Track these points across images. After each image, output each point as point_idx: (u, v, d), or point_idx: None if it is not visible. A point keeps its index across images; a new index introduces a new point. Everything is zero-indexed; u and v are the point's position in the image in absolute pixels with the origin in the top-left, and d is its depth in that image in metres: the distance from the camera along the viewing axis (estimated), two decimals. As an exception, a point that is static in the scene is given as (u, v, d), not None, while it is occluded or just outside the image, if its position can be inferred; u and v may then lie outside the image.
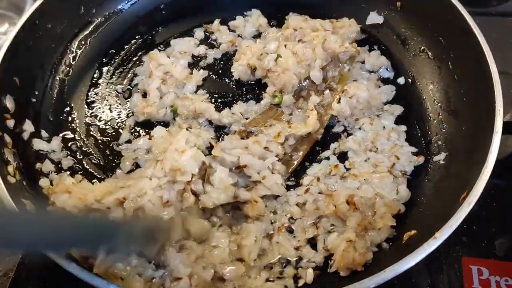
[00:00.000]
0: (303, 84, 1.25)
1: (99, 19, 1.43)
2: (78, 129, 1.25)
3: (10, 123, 1.11)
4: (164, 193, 0.97)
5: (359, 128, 1.22)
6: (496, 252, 1.07)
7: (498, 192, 1.17)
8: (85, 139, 1.23)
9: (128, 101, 1.30)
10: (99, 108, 1.30)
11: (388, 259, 0.84)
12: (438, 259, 1.05)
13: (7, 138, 1.08)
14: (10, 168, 1.02)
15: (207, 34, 1.45)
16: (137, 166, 1.16)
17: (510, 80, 1.37)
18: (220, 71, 1.37)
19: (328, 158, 1.17)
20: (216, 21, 1.46)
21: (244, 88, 1.33)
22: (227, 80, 1.35)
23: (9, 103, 1.11)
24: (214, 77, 1.36)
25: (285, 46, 1.28)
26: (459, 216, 0.83)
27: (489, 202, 1.15)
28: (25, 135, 1.16)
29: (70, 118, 1.26)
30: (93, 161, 1.19)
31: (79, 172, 1.16)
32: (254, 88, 1.33)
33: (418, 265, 1.01)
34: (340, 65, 1.26)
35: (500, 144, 1.21)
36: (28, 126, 1.17)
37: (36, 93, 1.24)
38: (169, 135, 1.18)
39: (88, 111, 1.29)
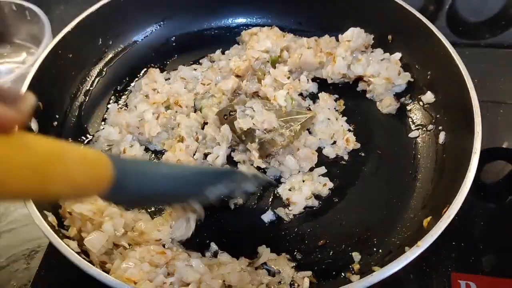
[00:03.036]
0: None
1: (116, 50, 1.54)
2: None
3: (34, 144, 1.18)
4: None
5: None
6: (484, 268, 1.12)
7: (488, 214, 1.24)
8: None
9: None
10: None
11: (379, 268, 0.90)
12: (429, 274, 1.11)
13: (32, 158, 1.14)
14: (34, 184, 1.08)
15: (212, 62, 1.54)
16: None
17: (497, 108, 1.47)
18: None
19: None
20: (218, 51, 1.56)
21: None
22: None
23: (34, 125, 1.18)
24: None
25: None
26: (439, 227, 0.91)
27: (476, 222, 1.21)
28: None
29: (87, 140, 1.35)
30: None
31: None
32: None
33: (409, 281, 1.09)
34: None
35: (493, 170, 1.28)
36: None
37: (57, 116, 1.33)
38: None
39: (103, 134, 1.35)
